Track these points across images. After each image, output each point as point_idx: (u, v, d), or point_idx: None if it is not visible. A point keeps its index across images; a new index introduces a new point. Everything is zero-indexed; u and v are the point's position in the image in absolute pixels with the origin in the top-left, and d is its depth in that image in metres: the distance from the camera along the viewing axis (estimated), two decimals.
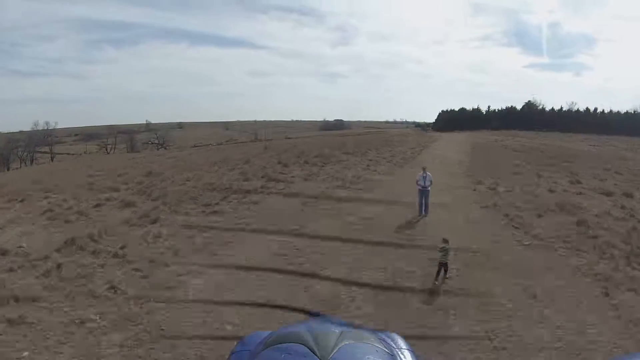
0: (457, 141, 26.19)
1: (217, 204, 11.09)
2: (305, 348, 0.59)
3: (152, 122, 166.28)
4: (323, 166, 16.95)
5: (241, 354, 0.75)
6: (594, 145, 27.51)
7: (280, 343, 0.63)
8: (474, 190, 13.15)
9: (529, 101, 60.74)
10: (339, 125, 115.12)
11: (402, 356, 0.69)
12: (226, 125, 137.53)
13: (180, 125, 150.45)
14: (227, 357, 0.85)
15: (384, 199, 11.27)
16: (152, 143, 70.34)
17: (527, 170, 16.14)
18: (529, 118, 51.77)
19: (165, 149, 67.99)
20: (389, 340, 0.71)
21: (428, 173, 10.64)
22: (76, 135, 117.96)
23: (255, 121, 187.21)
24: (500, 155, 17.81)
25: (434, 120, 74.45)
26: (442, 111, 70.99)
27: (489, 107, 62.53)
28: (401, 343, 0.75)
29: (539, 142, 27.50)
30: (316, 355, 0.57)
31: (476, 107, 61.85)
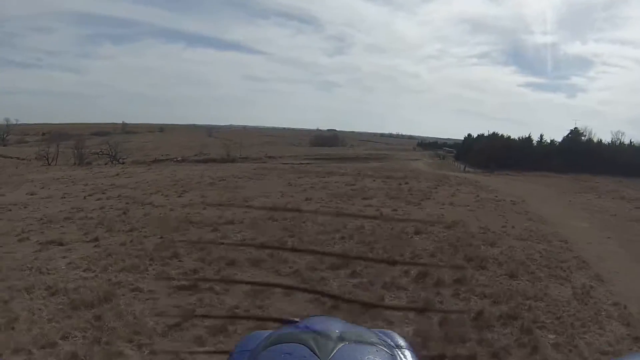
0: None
1: None
2: (305, 348, 0.59)
3: (133, 122, 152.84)
4: None
5: (241, 354, 0.71)
6: None
7: (280, 343, 0.62)
8: None
9: (575, 129, 46.60)
10: (332, 138, 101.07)
11: (402, 356, 0.67)
12: (209, 132, 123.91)
13: (161, 129, 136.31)
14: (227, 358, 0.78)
15: None
16: (103, 153, 55.38)
17: None
18: (593, 155, 37.48)
19: (119, 162, 53.56)
20: (389, 340, 0.69)
21: None
22: (43, 134, 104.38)
23: (244, 127, 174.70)
24: None
25: (460, 147, 58.76)
26: (470, 136, 55.63)
27: (541, 137, 45.14)
28: (401, 343, 0.72)
29: None
30: (316, 355, 0.57)
31: (527, 136, 44.49)
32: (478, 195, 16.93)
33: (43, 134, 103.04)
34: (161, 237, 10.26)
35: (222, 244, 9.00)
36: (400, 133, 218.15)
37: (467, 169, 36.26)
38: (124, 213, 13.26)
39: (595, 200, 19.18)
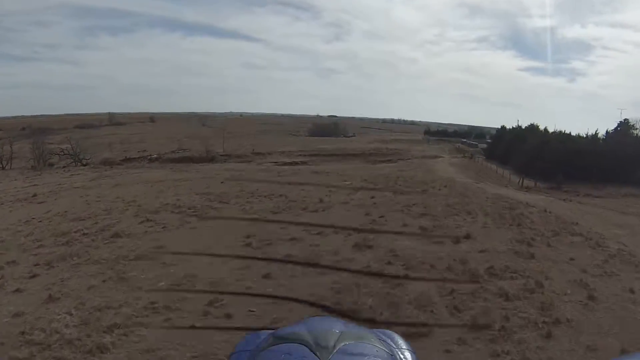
0: None
1: None
2: (305, 348, 0.58)
3: (132, 111, 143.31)
4: None
5: (240, 354, 0.70)
6: None
7: (279, 343, 0.61)
8: None
9: (625, 121, 34.86)
10: (332, 127, 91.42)
11: (402, 356, 0.66)
12: (203, 121, 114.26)
13: (152, 119, 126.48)
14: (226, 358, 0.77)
15: None
16: (64, 153, 45.98)
17: None
18: None
19: (82, 163, 44.46)
20: (389, 340, 0.68)
21: None
22: (23, 129, 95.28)
23: (240, 115, 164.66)
24: None
25: (492, 142, 46.40)
26: (504, 128, 43.92)
27: (607, 131, 33.38)
28: (401, 343, 0.71)
29: None
30: (316, 355, 0.57)
31: (594, 133, 32.93)
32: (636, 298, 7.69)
33: (23, 129, 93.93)
34: None
35: None
36: (401, 119, 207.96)
37: (524, 182, 26.08)
38: None
39: None
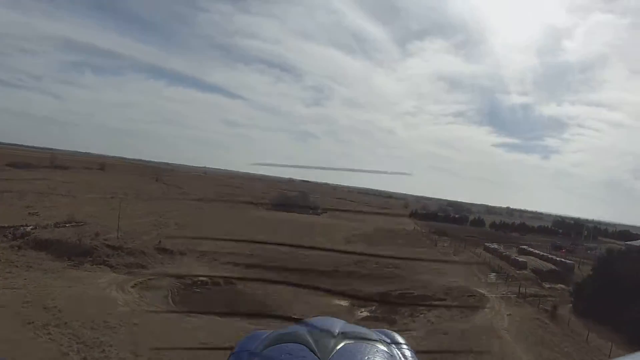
0: None
1: None
2: (305, 348, 0.58)
3: (99, 153, 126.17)
4: None
5: (240, 354, 0.68)
6: None
7: (279, 343, 0.60)
8: None
9: None
10: (299, 198, 76.50)
11: (401, 356, 0.66)
12: (158, 175, 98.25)
13: (102, 166, 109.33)
14: (226, 358, 0.74)
15: None
16: None
17: None
18: None
19: None
20: (388, 340, 0.67)
21: None
22: None
23: (205, 172, 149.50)
24: None
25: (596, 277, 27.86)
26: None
27: None
28: (401, 342, 0.70)
29: None
30: (316, 355, 0.56)
31: None
32: None
33: None
34: None
35: None
36: (376, 189, 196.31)
37: None
38: None
39: None
